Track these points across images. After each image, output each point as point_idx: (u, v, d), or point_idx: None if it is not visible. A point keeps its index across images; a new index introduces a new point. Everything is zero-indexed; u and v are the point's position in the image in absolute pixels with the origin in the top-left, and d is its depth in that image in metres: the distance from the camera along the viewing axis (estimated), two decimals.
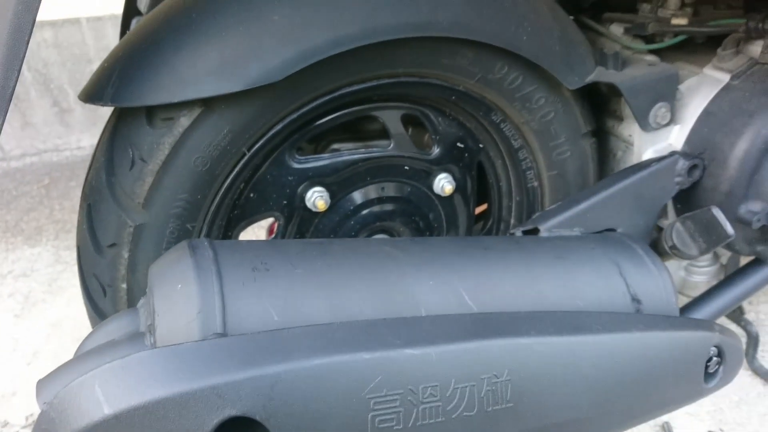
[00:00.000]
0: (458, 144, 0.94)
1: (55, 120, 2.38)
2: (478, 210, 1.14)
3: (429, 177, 0.94)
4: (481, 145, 0.96)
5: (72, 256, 1.76)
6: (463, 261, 0.68)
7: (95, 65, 2.33)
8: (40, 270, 1.70)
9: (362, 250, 0.65)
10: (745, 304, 1.49)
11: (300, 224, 0.88)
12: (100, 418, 0.44)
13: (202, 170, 0.73)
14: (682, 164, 0.86)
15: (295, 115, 0.77)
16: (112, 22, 2.29)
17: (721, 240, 0.78)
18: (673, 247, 0.86)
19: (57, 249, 1.79)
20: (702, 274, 1.04)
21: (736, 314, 1.26)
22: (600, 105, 1.00)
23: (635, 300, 0.74)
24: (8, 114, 2.23)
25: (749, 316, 1.45)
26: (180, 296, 0.55)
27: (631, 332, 0.65)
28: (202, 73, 0.66)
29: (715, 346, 0.72)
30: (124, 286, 0.76)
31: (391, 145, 0.89)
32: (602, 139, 1.03)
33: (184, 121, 0.69)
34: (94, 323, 0.80)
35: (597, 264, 0.74)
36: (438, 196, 0.96)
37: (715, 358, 0.71)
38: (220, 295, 0.55)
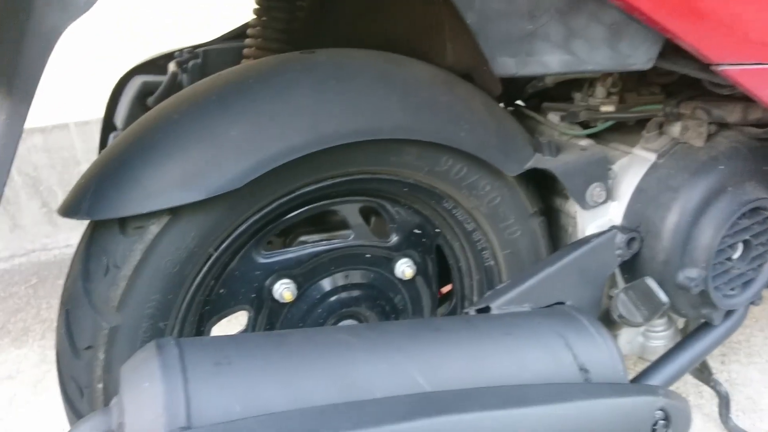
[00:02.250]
0: (415, 230, 1.01)
1: (44, 220, 2.45)
2: (446, 289, 1.20)
3: (390, 263, 1.00)
4: (437, 230, 1.03)
5: None
6: (415, 343, 0.73)
7: (83, 167, 2.43)
8: (25, 371, 1.72)
9: (318, 339, 0.70)
10: (717, 364, 1.53)
11: (270, 315, 0.94)
12: None
13: (172, 272, 0.79)
14: (621, 238, 0.94)
15: (257, 216, 0.84)
16: (99, 126, 2.41)
17: (658, 307, 0.84)
18: (621, 316, 0.92)
19: (43, 349, 1.81)
20: (659, 339, 1.08)
21: (705, 375, 1.30)
22: (549, 185, 1.08)
23: (582, 370, 0.79)
24: None
25: (722, 375, 1.48)
26: (147, 394, 0.60)
27: (574, 401, 0.69)
28: (168, 185, 0.74)
29: (660, 410, 0.76)
30: (101, 386, 0.80)
31: (352, 236, 0.96)
32: (555, 216, 1.10)
33: (154, 228, 0.76)
34: (72, 424, 0.83)
35: (544, 338, 0.79)
36: (400, 280, 1.02)
37: (661, 422, 0.75)
38: (185, 390, 0.60)
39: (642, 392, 0.75)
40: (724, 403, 1.31)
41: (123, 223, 0.77)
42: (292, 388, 0.63)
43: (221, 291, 0.89)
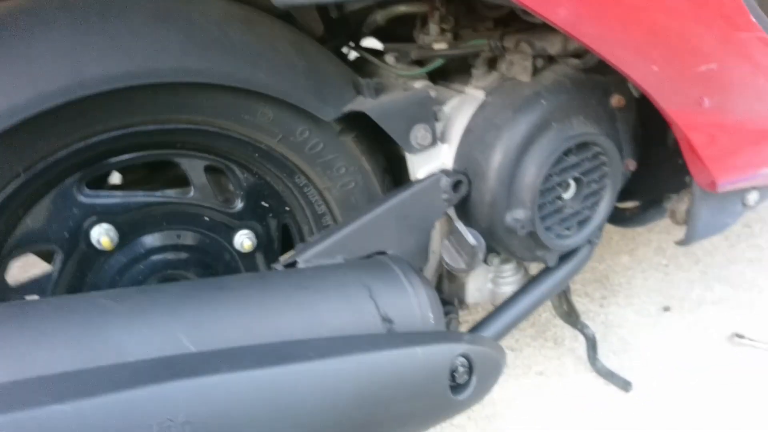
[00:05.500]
0: (263, 203, 0.95)
1: None
2: None
3: (230, 231, 0.94)
4: (287, 208, 0.97)
5: None
6: (189, 303, 0.67)
7: None
8: None
9: (72, 306, 0.63)
10: (596, 307, 1.53)
11: (81, 262, 0.86)
12: None
13: None
14: (446, 181, 0.89)
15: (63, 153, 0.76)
16: None
17: (471, 251, 0.80)
18: (447, 263, 0.88)
19: None
20: (509, 284, 1.06)
21: (573, 318, 1.29)
22: None
23: (386, 320, 0.74)
24: None
25: (599, 318, 1.49)
26: None
27: (350, 354, 0.65)
28: None
29: (462, 356, 0.73)
30: None
31: (191, 193, 0.89)
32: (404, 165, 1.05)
33: None
34: None
35: (345, 290, 0.75)
36: (238, 252, 0.95)
37: (461, 368, 0.72)
38: None
39: (441, 340, 0.72)
40: (591, 345, 1.31)
41: None
42: (20, 361, 0.57)
43: (28, 222, 0.81)
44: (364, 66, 1.08)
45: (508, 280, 1.06)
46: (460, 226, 0.78)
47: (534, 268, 1.10)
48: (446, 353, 0.71)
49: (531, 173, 0.87)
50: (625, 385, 1.26)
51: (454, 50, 0.95)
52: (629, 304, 1.53)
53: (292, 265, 0.81)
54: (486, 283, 1.07)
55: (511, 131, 0.87)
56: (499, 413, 1.25)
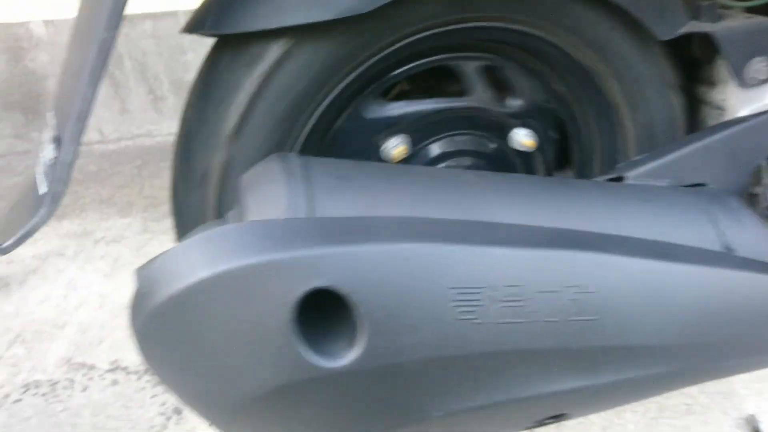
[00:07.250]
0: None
1: (150, 107, 2.53)
2: None
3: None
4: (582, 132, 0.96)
5: (159, 227, 1.86)
6: (545, 194, 0.68)
7: (189, 56, 2.46)
8: (129, 237, 1.81)
9: (443, 175, 0.66)
10: None
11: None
12: (196, 280, 0.47)
13: (293, 100, 0.76)
14: None
15: (383, 54, 0.79)
16: None
17: None
18: None
19: (145, 220, 1.90)
20: None
21: None
22: (691, 74, 0.97)
23: (727, 249, 0.71)
24: (109, 100, 2.36)
25: None
26: (270, 196, 0.58)
27: (723, 268, 0.62)
28: (294, 3, 0.70)
29: None
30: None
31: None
32: (694, 108, 0.99)
33: (276, 50, 0.73)
34: None
35: (686, 210, 0.72)
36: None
37: None
38: (309, 196, 0.58)
39: None
40: None
41: (245, 42, 0.74)
42: (414, 210, 0.60)
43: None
44: None
45: None
46: None
47: None
48: None
49: None
50: None
51: None
52: None
53: (616, 179, 0.79)
54: None
55: None
56: (734, 391, 1.17)
